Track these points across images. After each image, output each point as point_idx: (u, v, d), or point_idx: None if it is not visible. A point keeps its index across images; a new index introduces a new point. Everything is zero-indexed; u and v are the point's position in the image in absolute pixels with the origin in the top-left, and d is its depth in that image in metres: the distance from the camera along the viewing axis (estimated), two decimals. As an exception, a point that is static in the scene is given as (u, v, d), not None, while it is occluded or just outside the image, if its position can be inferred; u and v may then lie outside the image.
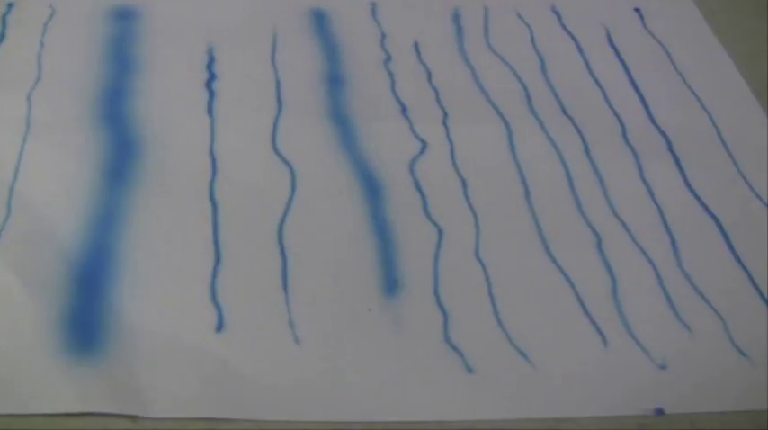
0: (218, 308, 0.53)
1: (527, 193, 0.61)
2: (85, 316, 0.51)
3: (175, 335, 0.51)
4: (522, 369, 0.52)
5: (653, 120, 0.69)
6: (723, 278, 0.58)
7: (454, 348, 0.52)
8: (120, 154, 0.60)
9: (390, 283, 0.55)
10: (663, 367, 0.52)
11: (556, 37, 0.76)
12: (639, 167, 0.65)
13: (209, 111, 0.64)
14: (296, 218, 0.58)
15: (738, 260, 0.59)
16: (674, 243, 0.60)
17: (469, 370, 0.51)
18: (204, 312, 0.52)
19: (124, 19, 0.71)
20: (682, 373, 0.52)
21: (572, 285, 0.56)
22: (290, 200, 0.59)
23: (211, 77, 0.67)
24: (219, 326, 0.52)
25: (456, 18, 0.76)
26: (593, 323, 0.54)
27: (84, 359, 0.49)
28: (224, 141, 0.62)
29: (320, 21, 0.74)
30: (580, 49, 0.75)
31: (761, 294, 0.57)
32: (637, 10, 0.80)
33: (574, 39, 0.76)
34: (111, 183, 0.58)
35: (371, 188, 0.60)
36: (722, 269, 0.59)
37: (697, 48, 0.77)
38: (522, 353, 0.52)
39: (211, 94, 0.65)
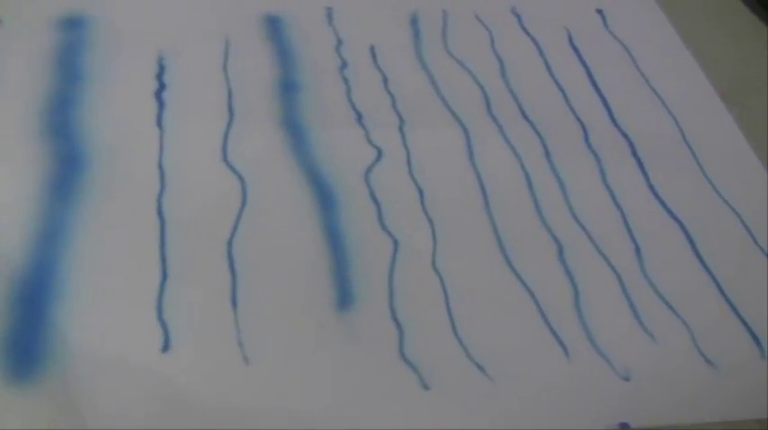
0: (165, 327, 0.51)
1: (486, 201, 0.60)
2: (26, 336, 0.49)
3: (120, 355, 0.49)
4: (481, 383, 0.50)
5: (616, 124, 0.67)
6: (689, 285, 0.57)
7: (410, 364, 0.51)
8: (65, 167, 0.58)
9: (344, 297, 0.53)
10: (627, 379, 0.51)
11: (516, 39, 0.74)
12: (602, 172, 0.63)
13: (159, 122, 0.62)
14: (246, 231, 0.56)
15: (704, 266, 0.58)
16: (637, 249, 0.58)
17: (425, 386, 0.50)
18: (150, 331, 0.50)
19: (72, 28, 0.69)
20: (647, 385, 0.51)
21: (533, 295, 0.55)
22: (241, 212, 0.57)
23: (161, 87, 0.65)
24: (166, 346, 0.50)
25: (414, 22, 0.74)
26: (555, 334, 0.53)
27: (25, 382, 0.47)
28: (173, 153, 0.60)
29: (274, 27, 0.72)
30: (541, 52, 0.73)
31: (728, 300, 0.56)
32: (599, 11, 0.78)
33: (534, 41, 0.74)
34: (55, 197, 0.56)
35: (325, 198, 0.59)
36: (688, 275, 0.58)
37: (660, 49, 0.75)
38: (481, 368, 0.51)
39: (161, 104, 0.63)
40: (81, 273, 0.52)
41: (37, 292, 0.51)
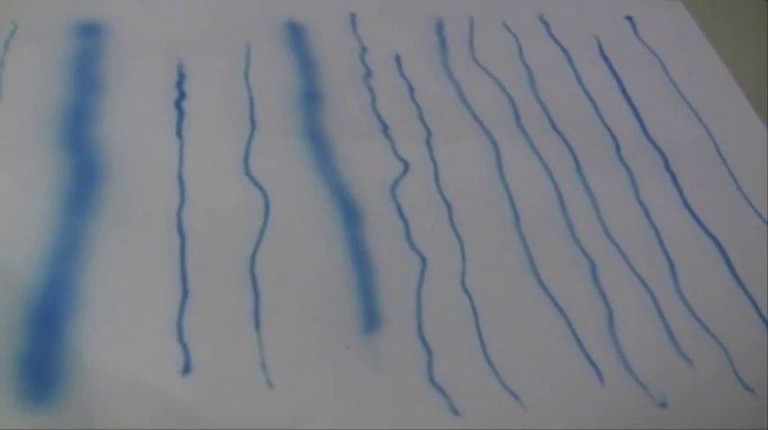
0: (185, 348, 0.49)
1: (516, 217, 0.58)
2: (40, 358, 0.47)
3: (138, 378, 0.47)
4: (513, 410, 0.49)
5: (648, 136, 0.65)
6: (725, 305, 0.55)
7: (439, 388, 0.49)
8: (82, 180, 0.57)
9: (370, 318, 0.52)
10: (663, 405, 0.49)
11: (544, 48, 0.72)
12: (635, 187, 0.61)
13: (179, 132, 0.60)
14: (269, 248, 0.54)
15: (741, 286, 0.56)
16: (672, 268, 0.56)
17: (455, 412, 0.48)
18: (170, 353, 0.49)
19: (89, 35, 0.67)
20: (683, 411, 0.49)
21: (565, 317, 0.53)
22: (264, 228, 0.55)
23: (181, 96, 0.63)
24: (186, 369, 0.48)
25: (439, 29, 0.72)
26: (588, 358, 0.51)
27: (39, 405, 0.46)
28: (193, 165, 0.58)
29: (296, 34, 0.70)
30: (570, 61, 0.71)
31: (765, 321, 0.54)
32: (629, 18, 0.76)
33: (563, 49, 0.72)
34: (71, 211, 0.55)
35: (350, 214, 0.57)
36: (724, 295, 0.56)
37: (692, 57, 0.73)
38: (513, 393, 0.49)
39: (181, 114, 0.62)
40: (97, 292, 0.51)
41: (52, 311, 0.50)
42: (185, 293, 0.51)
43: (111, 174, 0.57)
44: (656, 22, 0.76)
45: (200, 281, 0.52)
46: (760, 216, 0.60)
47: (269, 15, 0.71)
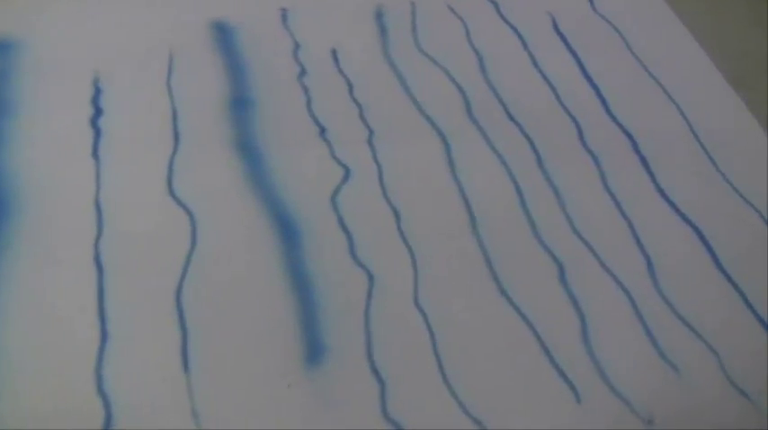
0: (106, 399, 0.44)
1: (472, 220, 0.54)
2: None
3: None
4: (480, 442, 0.44)
5: (613, 118, 0.61)
6: (712, 300, 0.51)
7: (394, 423, 0.45)
8: (-13, 215, 0.51)
9: (314, 349, 0.47)
10: (650, 422, 0.45)
11: (495, 30, 0.68)
12: (602, 175, 0.57)
13: (95, 153, 0.55)
14: (197, 277, 0.50)
15: (729, 278, 0.52)
16: (649, 263, 0.53)
17: (415, 449, 0.44)
18: (88, 406, 0.44)
19: (-3, 53, 0.62)
20: (672, 425, 0.45)
21: (533, 328, 0.49)
22: (190, 255, 0.50)
23: (97, 113, 0.58)
24: (107, 424, 0.43)
25: (379, 17, 0.68)
26: (562, 374, 0.47)
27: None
28: (112, 189, 0.54)
29: (223, 34, 0.65)
30: (523, 43, 0.67)
31: (757, 315, 0.50)
32: (585, -9, 0.71)
33: (515, 31, 0.68)
34: (-25, 251, 0.50)
35: (287, 231, 0.52)
36: (709, 290, 0.52)
37: (656, 29, 0.69)
38: (478, 422, 0.45)
39: (97, 132, 0.57)
40: (4, 340, 0.46)
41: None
42: (105, 336, 0.47)
43: (20, 205, 0.52)
44: (614, -8, 0.72)
45: (121, 320, 0.48)
46: (744, 198, 0.56)
47: (192, 17, 0.66)
